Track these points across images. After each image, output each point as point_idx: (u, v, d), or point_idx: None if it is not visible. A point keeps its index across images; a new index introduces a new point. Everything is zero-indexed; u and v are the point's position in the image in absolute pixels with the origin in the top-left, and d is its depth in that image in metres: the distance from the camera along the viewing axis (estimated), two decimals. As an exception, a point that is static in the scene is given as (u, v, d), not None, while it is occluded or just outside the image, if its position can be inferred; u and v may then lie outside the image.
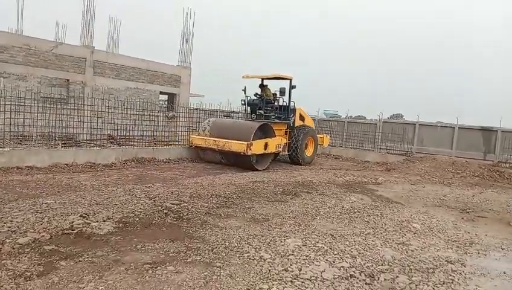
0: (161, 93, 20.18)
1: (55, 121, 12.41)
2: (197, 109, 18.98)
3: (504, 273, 4.97)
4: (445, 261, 5.22)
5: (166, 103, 22.20)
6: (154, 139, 15.44)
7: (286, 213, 7.20)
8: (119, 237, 5.29)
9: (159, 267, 4.36)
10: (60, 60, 15.68)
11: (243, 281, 4.16)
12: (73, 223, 5.53)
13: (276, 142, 14.02)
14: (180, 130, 15.47)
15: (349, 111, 24.63)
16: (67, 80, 16.06)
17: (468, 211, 8.79)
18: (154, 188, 8.38)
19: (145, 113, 15.39)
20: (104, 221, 5.85)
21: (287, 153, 15.23)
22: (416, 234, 6.46)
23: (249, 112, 15.23)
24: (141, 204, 6.93)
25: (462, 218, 8.05)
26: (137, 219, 6.13)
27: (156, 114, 16.41)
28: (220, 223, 6.26)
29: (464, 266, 5.11)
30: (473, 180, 14.26)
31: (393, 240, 5.99)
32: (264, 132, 13.63)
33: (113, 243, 5.04)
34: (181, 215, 6.51)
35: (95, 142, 13.28)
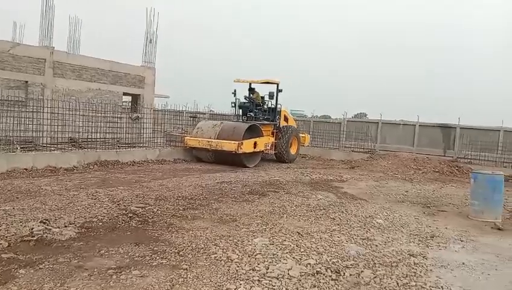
0: (125, 94, 19.74)
1: (13, 125, 11.93)
2: (162, 110, 18.73)
3: (463, 264, 5.16)
4: (408, 254, 5.37)
5: (130, 104, 21.76)
6: (118, 141, 15.12)
7: (253, 213, 7.21)
8: (81, 243, 5.14)
9: (123, 272, 4.27)
10: (18, 61, 15.04)
11: (210, 283, 4.13)
12: (33, 230, 5.33)
13: (265, 142, 15.16)
14: (144, 131, 15.22)
15: (314, 111, 24.93)
16: (26, 82, 15.45)
17: (429, 205, 9.09)
18: (118, 191, 8.19)
19: (108, 115, 15.03)
20: (66, 226, 5.67)
21: (273, 152, 16.13)
22: (380, 229, 6.61)
23: (240, 114, 16.25)
24: (104, 208, 6.76)
25: (424, 212, 8.31)
26: (101, 224, 5.98)
27: (120, 116, 16.08)
28: (186, 225, 6.19)
29: (426, 259, 5.27)
30: (434, 176, 14.77)
31: (358, 236, 6.11)
32: (253, 132, 14.66)
33: (76, 249, 4.90)
34: (146, 218, 6.40)
35: (55, 146, 12.87)
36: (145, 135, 15.28)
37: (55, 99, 14.00)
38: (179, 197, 8.06)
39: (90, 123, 13.83)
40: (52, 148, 12.37)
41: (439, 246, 5.94)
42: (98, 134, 14.05)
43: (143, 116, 15.82)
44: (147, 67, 20.04)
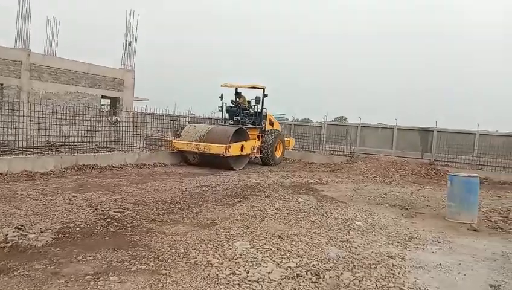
0: (103, 97, 19.47)
1: (-14, 128, 11.63)
2: (141, 113, 18.55)
3: (440, 265, 5.24)
4: (387, 256, 5.43)
5: (108, 107, 21.47)
6: (96, 145, 14.88)
7: (234, 216, 7.20)
8: (58, 249, 5.04)
9: (101, 278, 4.20)
10: (-8, 64, 14.72)
11: (190, 287, 4.10)
12: (8, 236, 5.20)
13: (251, 145, 15.56)
14: (123, 135, 15.03)
15: (295, 114, 25.07)
16: (1, 84, 15.09)
17: (407, 207, 9.22)
18: (96, 196, 8.06)
19: (86, 118, 14.80)
20: (42, 232, 5.55)
21: (259, 155, 16.48)
22: (359, 232, 6.68)
23: (227, 117, 16.60)
24: (82, 213, 6.65)
25: (402, 214, 8.43)
26: (78, 229, 5.87)
27: (98, 119, 15.84)
28: (166, 229, 6.13)
29: (404, 260, 5.34)
30: (412, 179, 15.00)
31: (337, 238, 6.16)
32: (240, 136, 15.01)
33: (52, 255, 4.80)
34: (125, 223, 6.32)
35: (31, 150, 12.58)
36: (124, 138, 15.09)
37: (32, 102, 13.72)
38: (159, 201, 7.98)
39: (67, 127, 13.58)
40: (28, 153, 12.09)
41: (417, 247, 6.03)
42: (76, 138, 13.81)
43: (122, 120, 15.62)
44: (126, 70, 19.82)
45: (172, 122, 21.45)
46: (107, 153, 13.70)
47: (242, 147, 14.82)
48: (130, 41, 19.51)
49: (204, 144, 14.22)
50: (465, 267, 5.23)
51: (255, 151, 16.02)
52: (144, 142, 16.93)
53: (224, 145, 13.78)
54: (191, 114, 26.37)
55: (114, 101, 19.86)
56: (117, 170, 12.59)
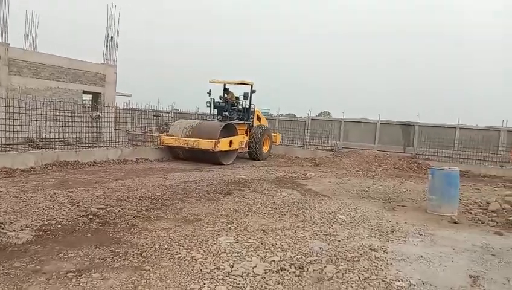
0: (85, 92, 19.18)
1: (-37, 124, 11.34)
2: (124, 109, 18.34)
3: (421, 257, 5.33)
4: (369, 249, 5.50)
5: (90, 102, 21.17)
6: (78, 141, 14.67)
7: (218, 212, 7.18)
8: (39, 246, 4.97)
9: (83, 275, 4.15)
10: (-31, 58, 14.36)
11: (174, 283, 4.08)
12: (-14, 234, 5.10)
13: (240, 140, 15.75)
14: (106, 130, 14.84)
15: (279, 109, 25.08)
16: (-22, 80, 14.75)
17: (389, 201, 9.35)
18: (77, 192, 7.94)
19: (67, 114, 14.55)
20: (22, 230, 5.46)
21: (247, 150, 16.63)
22: (342, 225, 6.74)
23: (215, 113, 16.77)
24: (63, 210, 6.55)
25: (384, 208, 8.54)
26: (60, 226, 5.79)
27: (80, 114, 15.61)
28: (149, 225, 6.09)
29: (386, 253, 5.41)
30: (394, 172, 15.20)
31: (321, 232, 6.20)
32: (229, 131, 15.23)
33: (33, 253, 4.73)
34: (107, 219, 6.25)
35: (11, 146, 12.34)
36: (106, 134, 14.88)
37: (11, 98, 13.43)
38: (142, 197, 7.91)
39: (48, 122, 13.33)
40: (8, 149, 11.85)
41: (399, 240, 6.12)
42: (57, 134, 13.58)
43: (104, 115, 15.41)
44: (107, 64, 19.56)
45: (155, 117, 21.27)
46: (89, 149, 13.51)
47: (231, 142, 15.01)
48: (112, 36, 19.24)
49: (194, 139, 14.37)
50: (446, 258, 5.33)
51: (243, 146, 16.22)
52: (127, 138, 16.75)
53: (214, 140, 13.94)
54: (174, 109, 26.19)
55: (96, 96, 19.60)
56: (99, 166, 12.43)
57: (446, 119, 20.39)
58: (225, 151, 14.83)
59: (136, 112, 18.04)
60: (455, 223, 7.43)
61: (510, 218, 7.58)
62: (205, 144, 14.07)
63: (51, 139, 13.41)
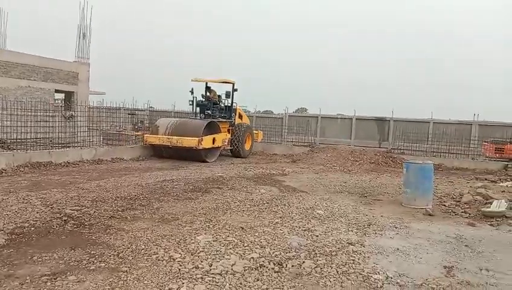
0: (57, 91, 18.74)
1: None
2: (98, 108, 18.00)
3: (398, 249, 5.43)
4: (347, 243, 5.56)
5: (63, 101, 20.69)
6: (51, 141, 14.32)
7: (197, 210, 7.13)
8: (12, 250, 4.83)
9: (58, 278, 4.06)
10: None
11: (151, 283, 4.03)
12: (-45, 240, 4.92)
13: (222, 138, 15.99)
14: (79, 130, 14.53)
15: (257, 106, 25.12)
16: None
17: (366, 195, 9.48)
18: (51, 194, 7.76)
19: (39, 113, 14.18)
20: (-7, 234, 5.29)
21: (229, 147, 16.90)
22: (320, 220, 6.80)
23: (198, 111, 16.85)
24: (37, 212, 6.38)
25: (361, 202, 8.66)
26: (33, 229, 5.64)
27: (52, 114, 15.22)
28: (125, 226, 5.99)
29: (363, 246, 5.48)
30: (370, 167, 15.43)
31: (299, 227, 6.24)
32: (211, 129, 15.39)
33: (5, 257, 4.59)
34: (82, 221, 6.12)
35: (-20, 148, 11.95)
36: (80, 134, 14.58)
37: (-21, 97, 13.00)
38: (118, 197, 7.78)
39: (19, 123, 12.96)
40: (-23, 151, 11.47)
41: (376, 233, 6.21)
42: (29, 134, 13.21)
43: (77, 115, 15.08)
44: (80, 62, 19.16)
45: (130, 116, 20.95)
46: (62, 150, 13.22)
47: (214, 140, 15.22)
48: (84, 33, 18.85)
49: (177, 137, 14.47)
50: (421, 250, 5.44)
51: (226, 143, 16.45)
52: (101, 137, 16.45)
53: (197, 138, 14.11)
54: (150, 107, 25.88)
55: (69, 95, 19.16)
56: (73, 166, 12.16)
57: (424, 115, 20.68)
58: (208, 148, 15.00)
59: (110, 110, 17.70)
60: (430, 215, 7.59)
61: (482, 209, 7.80)
62: (189, 141, 14.20)
63: (23, 140, 13.04)
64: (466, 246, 5.74)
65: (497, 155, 16.83)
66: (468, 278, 4.55)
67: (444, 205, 8.49)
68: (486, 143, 17.70)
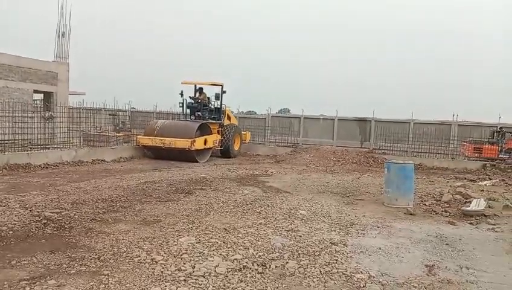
0: (36, 92, 18.38)
1: None
2: (78, 108, 17.73)
3: (380, 249, 5.48)
4: (330, 243, 5.59)
5: (42, 102, 20.30)
6: (30, 143, 14.03)
7: (179, 212, 7.08)
8: (-12, 255, 4.70)
9: (37, 283, 3.97)
10: None
11: (134, 286, 3.98)
12: None
13: (213, 139, 16.38)
14: (59, 131, 14.26)
15: (240, 106, 25.01)
16: None
17: (348, 195, 9.56)
18: (30, 196, 7.59)
19: (17, 114, 13.87)
20: (-31, 238, 5.15)
21: (219, 148, 17.21)
22: (303, 220, 6.82)
23: (188, 113, 17.26)
24: (15, 215, 6.22)
25: (343, 202, 8.72)
26: (11, 233, 5.50)
27: (30, 115, 14.92)
28: (107, 229, 5.90)
29: (346, 246, 5.52)
30: (352, 167, 15.58)
31: (283, 228, 6.25)
32: (203, 130, 15.83)
33: (-18, 262, 4.47)
34: (62, 224, 6.00)
35: (-45, 150, 11.63)
36: (59, 135, 14.32)
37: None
38: (99, 199, 7.65)
39: (-4, 124, 12.67)
40: (-48, 153, 11.16)
41: (358, 233, 6.26)
42: (6, 135, 12.91)
43: (57, 115, 14.80)
44: (59, 62, 18.83)
45: (111, 117, 20.69)
46: (42, 151, 12.96)
47: (205, 141, 15.63)
48: (63, 32, 18.53)
49: (170, 138, 14.78)
50: (403, 249, 5.51)
51: (217, 144, 16.78)
52: (81, 138, 16.19)
53: (190, 140, 14.48)
54: (132, 108, 25.61)
55: (48, 95, 18.81)
56: (52, 168, 11.93)
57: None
58: (200, 149, 15.36)
59: (90, 111, 17.45)
60: (411, 214, 7.70)
61: (462, 208, 7.95)
62: (181, 143, 14.53)
63: (0, 141, 12.74)
64: (447, 244, 5.84)
65: (476, 155, 17.16)
66: (449, 276, 4.63)
67: (425, 205, 8.61)
68: (465, 143, 18.04)
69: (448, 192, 9.42)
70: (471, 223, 7.12)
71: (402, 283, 4.38)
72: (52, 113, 16.39)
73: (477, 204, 8.06)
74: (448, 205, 8.38)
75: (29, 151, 12.47)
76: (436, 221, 7.27)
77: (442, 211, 7.96)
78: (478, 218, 7.35)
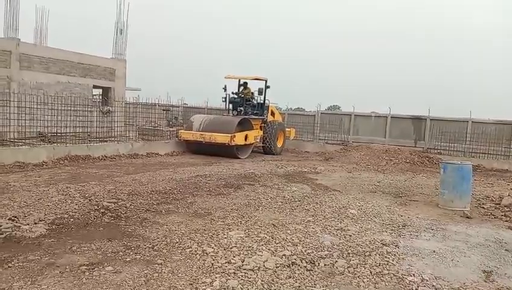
0: (95, 87, 19.28)
1: (-23, 119, 11.48)
2: (133, 103, 18.42)
3: (434, 252, 5.29)
4: (381, 244, 5.47)
5: (100, 97, 21.28)
6: (89, 135, 14.78)
7: (229, 206, 7.20)
8: (52, 240, 5.02)
9: (96, 268, 4.19)
10: (-19, 54, 14.47)
11: (185, 277, 4.10)
12: (1, 227, 5.16)
13: (254, 135, 16.20)
14: (116, 125, 14.90)
15: (288, 103, 24.97)
16: (-10, 75, 14.88)
17: (400, 195, 9.28)
18: (89, 186, 8.01)
19: (78, 108, 14.65)
20: (36, 223, 5.52)
21: (261, 144, 17.13)
22: (353, 220, 6.71)
23: (230, 108, 17.13)
24: (76, 204, 6.61)
25: (396, 202, 8.48)
26: (72, 220, 5.84)
27: (90, 109, 15.71)
28: (160, 219, 6.12)
29: (398, 248, 5.38)
30: (405, 166, 15.09)
31: (332, 226, 6.18)
32: (244, 125, 15.66)
33: (46, 246, 4.78)
34: (119, 213, 6.29)
35: (23, 141, 12.47)
36: (116, 128, 14.96)
37: (22, 93, 13.55)
38: (153, 191, 7.95)
39: (59, 117, 13.44)
40: (20, 143, 11.98)
41: (411, 235, 6.07)
42: (68, 128, 13.69)
43: (114, 110, 15.48)
44: (117, 59, 19.60)
45: (165, 112, 21.32)
46: (100, 144, 13.61)
47: (246, 137, 15.42)
48: (121, 29, 19.25)
49: (210, 133, 14.80)
50: (459, 253, 5.28)
51: (258, 140, 16.63)
52: (137, 132, 16.84)
53: (229, 135, 14.39)
54: (184, 104, 26.22)
55: (106, 91, 19.69)
56: (110, 160, 12.52)
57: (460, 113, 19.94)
58: (241, 145, 15.25)
59: (145, 106, 18.08)
60: (468, 217, 7.36)
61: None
62: (221, 138, 14.47)
63: (62, 134, 13.53)
64: (506, 250, 5.53)
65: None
66: (508, 284, 4.39)
67: (483, 208, 8.20)
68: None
69: (509, 195, 8.89)
70: (534, 230, 6.70)
71: (457, 288, 4.21)
72: (110, 108, 17.14)
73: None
74: (508, 209, 7.92)
75: (88, 144, 13.14)
76: (494, 225, 6.90)
77: (501, 215, 7.54)
78: (542, 224, 6.90)
